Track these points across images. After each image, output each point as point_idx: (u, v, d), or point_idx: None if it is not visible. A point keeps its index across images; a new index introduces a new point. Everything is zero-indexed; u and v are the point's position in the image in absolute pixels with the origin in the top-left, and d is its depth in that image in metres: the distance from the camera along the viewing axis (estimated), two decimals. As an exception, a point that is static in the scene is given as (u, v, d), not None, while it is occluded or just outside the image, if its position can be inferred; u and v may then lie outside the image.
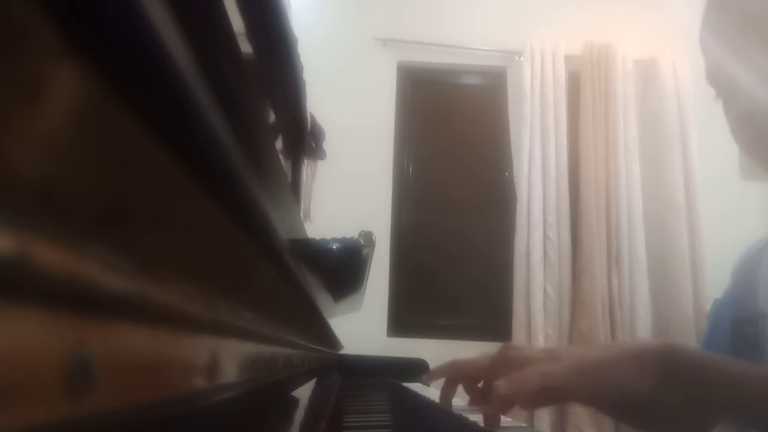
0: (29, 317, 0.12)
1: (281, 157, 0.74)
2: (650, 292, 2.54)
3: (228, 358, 0.29)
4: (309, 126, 0.90)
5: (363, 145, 2.63)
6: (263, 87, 0.61)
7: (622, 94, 2.64)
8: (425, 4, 2.77)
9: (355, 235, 0.61)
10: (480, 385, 0.69)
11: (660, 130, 2.63)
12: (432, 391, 0.91)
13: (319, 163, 1.30)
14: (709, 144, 2.43)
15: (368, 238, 0.62)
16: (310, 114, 0.90)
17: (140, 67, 0.15)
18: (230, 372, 0.29)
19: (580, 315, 2.51)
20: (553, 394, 0.55)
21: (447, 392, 0.71)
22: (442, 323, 2.67)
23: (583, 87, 2.68)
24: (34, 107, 0.11)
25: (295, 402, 0.54)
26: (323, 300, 0.67)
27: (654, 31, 2.68)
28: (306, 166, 1.08)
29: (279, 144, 0.73)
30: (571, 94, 2.70)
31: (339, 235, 0.58)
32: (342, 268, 0.59)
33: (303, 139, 0.88)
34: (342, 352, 1.31)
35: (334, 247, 0.57)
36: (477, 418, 0.58)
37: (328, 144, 1.19)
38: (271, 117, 0.66)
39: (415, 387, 1.06)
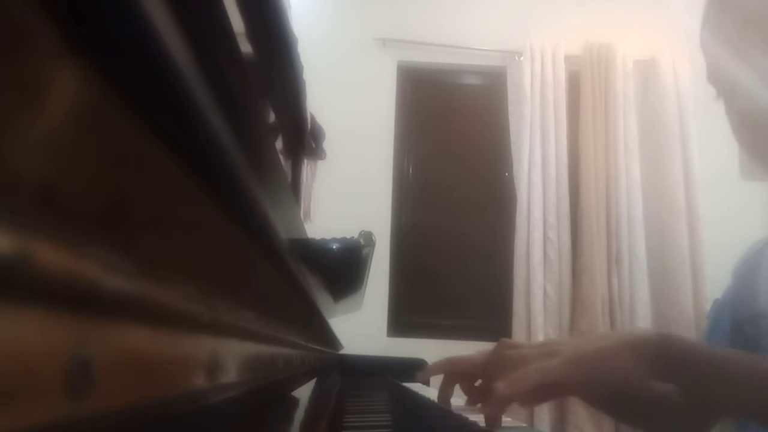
0: (29, 317, 0.12)
1: (281, 157, 0.74)
2: (650, 292, 2.54)
3: (228, 358, 0.29)
4: (309, 126, 0.90)
5: (363, 145, 2.63)
6: (263, 87, 0.61)
7: (622, 94, 2.64)
8: (425, 4, 2.77)
9: (355, 235, 0.61)
10: (477, 384, 0.69)
11: (660, 130, 2.63)
12: (432, 391, 0.91)
13: (319, 163, 1.30)
14: (709, 144, 2.43)
15: (368, 238, 0.62)
16: (310, 114, 0.90)
17: (140, 67, 0.15)
18: (230, 372, 0.29)
19: (580, 315, 2.51)
20: (552, 389, 0.55)
21: (445, 391, 0.71)
22: (442, 323, 2.67)
23: (583, 87, 2.68)
24: (34, 107, 0.11)
25: (295, 402, 0.54)
26: (323, 300, 0.67)
27: (654, 31, 2.68)
28: (306, 166, 1.08)
29: (279, 144, 0.73)
30: (571, 94, 2.70)
31: (339, 235, 0.58)
32: (342, 268, 0.59)
33: (303, 139, 0.88)
34: (342, 352, 1.31)
35: (334, 247, 0.57)
36: (477, 417, 0.58)
37: (328, 144, 1.19)
38: (271, 117, 0.66)
39: (415, 387, 1.06)
